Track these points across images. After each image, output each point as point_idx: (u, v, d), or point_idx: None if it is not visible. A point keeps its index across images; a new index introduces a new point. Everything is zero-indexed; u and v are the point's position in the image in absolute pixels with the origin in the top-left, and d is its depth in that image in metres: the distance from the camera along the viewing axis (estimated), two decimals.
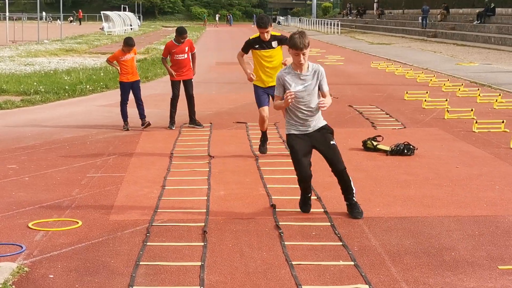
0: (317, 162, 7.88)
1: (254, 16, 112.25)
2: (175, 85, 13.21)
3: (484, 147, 11.30)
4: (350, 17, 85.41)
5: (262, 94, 10.34)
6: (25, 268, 5.85)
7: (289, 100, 6.97)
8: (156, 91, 19.17)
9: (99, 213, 7.55)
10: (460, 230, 6.98)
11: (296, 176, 7.40)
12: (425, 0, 61.65)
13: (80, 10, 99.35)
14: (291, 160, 7.41)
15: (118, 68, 13.05)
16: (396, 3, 72.00)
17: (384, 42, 46.19)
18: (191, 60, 13.20)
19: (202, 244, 6.49)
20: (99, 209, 7.69)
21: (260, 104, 10.36)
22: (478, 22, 47.43)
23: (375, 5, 74.52)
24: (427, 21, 55.24)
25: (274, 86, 7.86)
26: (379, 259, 6.16)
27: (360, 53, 36.68)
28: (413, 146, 10.70)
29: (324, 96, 7.20)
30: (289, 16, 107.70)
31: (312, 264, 6.01)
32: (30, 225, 7.07)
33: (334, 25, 65.18)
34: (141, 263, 5.99)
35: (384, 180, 9.10)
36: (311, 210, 7.52)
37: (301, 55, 6.98)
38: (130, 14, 75.32)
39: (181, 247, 6.40)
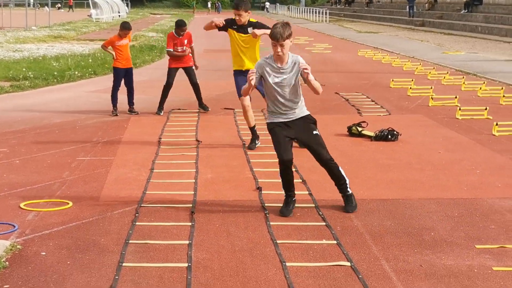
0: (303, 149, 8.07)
1: None
2: (171, 73, 13.36)
3: (467, 133, 11.53)
4: (339, 6, 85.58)
5: (242, 82, 9.88)
6: (18, 246, 6.03)
7: (250, 79, 6.86)
8: (144, 77, 19.28)
9: (89, 194, 7.74)
10: (440, 212, 7.21)
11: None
12: None
13: None
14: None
15: (113, 53, 13.15)
16: None
17: (372, 31, 46.40)
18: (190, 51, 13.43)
19: (190, 224, 6.69)
20: (89, 191, 7.87)
21: (239, 93, 10.08)
22: (466, 11, 47.75)
23: None
24: (414, 10, 55.61)
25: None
26: (360, 238, 6.38)
27: (347, 42, 36.87)
28: (396, 132, 10.92)
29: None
30: (278, 4, 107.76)
31: (296, 242, 6.22)
32: (22, 205, 7.24)
33: (322, 14, 65.31)
34: (130, 241, 6.19)
35: (367, 164, 9.32)
36: (296, 192, 7.69)
37: (279, 46, 6.81)
38: (118, 1, 75.05)
39: (169, 227, 6.60)
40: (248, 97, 9.87)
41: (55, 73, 18.74)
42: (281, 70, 6.96)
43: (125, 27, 13.13)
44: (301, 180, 8.32)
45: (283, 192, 7.38)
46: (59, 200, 7.48)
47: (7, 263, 5.65)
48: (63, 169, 8.87)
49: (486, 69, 21.52)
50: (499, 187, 8.23)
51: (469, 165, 9.32)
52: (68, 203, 7.33)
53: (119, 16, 68.47)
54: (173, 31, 13.49)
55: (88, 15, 66.05)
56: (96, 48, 28.00)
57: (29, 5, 75.39)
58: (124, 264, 5.65)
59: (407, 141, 10.82)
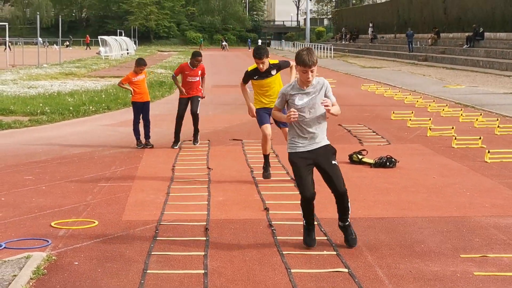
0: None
1: (249, 40, 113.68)
2: (182, 103, 14.01)
3: (461, 160, 12.30)
4: (344, 42, 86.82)
5: (263, 113, 10.51)
6: (53, 257, 6.81)
7: (291, 118, 6.87)
8: (156, 112, 20.10)
9: (112, 214, 8.52)
10: (430, 228, 7.97)
11: (299, 199, 7.37)
12: (417, 25, 63.16)
13: (87, 36, 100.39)
14: (284, 173, 8.33)
15: (131, 89, 13.81)
16: (389, 27, 73.39)
17: (376, 66, 47.37)
18: (200, 81, 14.09)
19: (205, 238, 7.46)
20: (112, 212, 8.66)
21: (261, 122, 10.49)
22: (468, 46, 48.70)
23: (369, 29, 75.89)
24: (413, 45, 57.00)
25: None
26: (358, 250, 7.14)
27: (351, 76, 37.79)
28: (394, 159, 11.69)
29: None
30: (283, 40, 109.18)
31: (300, 253, 6.98)
32: (52, 224, 8.03)
33: (327, 49, 66.43)
34: (152, 253, 6.96)
35: (366, 188, 10.09)
36: (300, 212, 8.43)
37: (309, 72, 6.88)
38: (126, 39, 76.50)
39: (186, 241, 7.37)
40: (269, 126, 10.46)
41: (71, 108, 19.61)
42: (306, 92, 7.00)
43: (140, 63, 13.89)
44: None
45: (289, 211, 8.10)
46: (86, 219, 8.26)
47: (45, 271, 6.42)
48: (86, 194, 9.66)
49: (484, 102, 22.32)
50: (486, 207, 8.99)
51: (460, 188, 10.08)
52: (94, 222, 8.11)
53: (128, 53, 69.75)
54: (188, 62, 14.07)
55: (97, 53, 67.31)
56: (108, 84, 29.00)
57: (37, 43, 77.09)
58: (148, 271, 6.42)
59: (404, 168, 11.59)
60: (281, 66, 10.60)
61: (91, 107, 20.12)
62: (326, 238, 7.54)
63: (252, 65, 10.67)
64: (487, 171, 11.29)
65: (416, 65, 47.53)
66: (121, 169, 11.50)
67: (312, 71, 6.89)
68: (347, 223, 7.30)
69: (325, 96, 7.04)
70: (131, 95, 14.03)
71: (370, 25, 76.14)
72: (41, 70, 39.58)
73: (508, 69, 37.73)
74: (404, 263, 6.73)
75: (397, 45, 63.91)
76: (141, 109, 13.90)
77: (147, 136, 13.92)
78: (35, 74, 35.56)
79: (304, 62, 6.86)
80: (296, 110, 6.90)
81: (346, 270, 6.50)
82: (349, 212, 7.32)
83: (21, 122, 17.20)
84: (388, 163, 11.59)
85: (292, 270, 6.46)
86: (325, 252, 7.04)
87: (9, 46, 49.70)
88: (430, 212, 8.72)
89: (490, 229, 7.93)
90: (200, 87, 14.10)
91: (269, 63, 10.45)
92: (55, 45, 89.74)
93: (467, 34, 50.00)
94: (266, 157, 10.65)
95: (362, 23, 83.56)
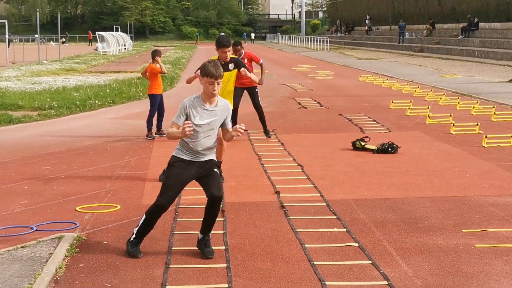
0: (307, 153, 9.34)
1: (244, 34, 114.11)
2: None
3: (460, 146, 12.81)
4: (339, 34, 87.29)
5: None
6: (83, 237, 7.31)
7: (187, 132, 6.42)
8: None
9: (133, 199, 9.02)
10: (433, 207, 8.49)
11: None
12: (412, 16, 63.71)
13: (90, 32, 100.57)
14: (291, 159, 8.77)
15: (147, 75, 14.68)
16: (384, 19, 73.90)
17: (372, 57, 47.87)
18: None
19: (222, 219, 7.97)
20: (132, 197, 9.16)
21: None
22: (463, 36, 49.26)
23: (367, 21, 76.38)
24: (404, 36, 58.10)
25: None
26: (366, 227, 7.65)
27: (349, 68, 38.28)
28: (396, 145, 12.20)
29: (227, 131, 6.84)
30: (279, 34, 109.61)
31: (313, 231, 7.49)
32: (77, 208, 8.53)
33: (323, 42, 66.92)
34: (175, 232, 7.47)
35: (370, 172, 10.60)
36: (309, 194, 8.96)
37: (216, 84, 6.56)
38: (123, 34, 76.90)
39: None
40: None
41: (77, 102, 20.07)
42: (209, 111, 6.68)
43: (157, 54, 14.64)
44: (313, 185, 9.59)
45: (298, 194, 8.60)
46: (108, 204, 8.77)
47: (77, 249, 6.92)
48: (105, 182, 10.15)
49: (481, 90, 22.85)
50: (485, 187, 9.51)
51: (460, 171, 10.60)
52: (116, 206, 8.62)
53: (125, 49, 70.13)
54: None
55: (94, 49, 67.69)
56: (110, 79, 29.46)
57: (33, 40, 77.24)
58: (173, 248, 6.93)
59: (406, 153, 12.10)
60: (238, 61, 10.39)
61: (96, 101, 20.58)
62: (335, 217, 8.05)
63: (213, 56, 10.40)
64: (485, 155, 11.81)
65: (412, 56, 48.04)
66: (135, 159, 11.98)
67: (218, 84, 6.60)
68: (208, 236, 6.85)
69: (224, 123, 6.79)
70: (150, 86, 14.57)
71: (367, 17, 76.63)
72: (42, 66, 39.99)
73: (503, 59, 38.26)
74: (410, 237, 7.25)
75: (392, 37, 64.40)
76: (159, 101, 14.48)
77: (160, 125, 14.50)
78: (36, 71, 35.98)
79: (211, 73, 6.54)
80: (191, 123, 6.48)
81: (356, 244, 7.01)
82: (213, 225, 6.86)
83: (31, 116, 17.66)
84: (390, 149, 12.09)
85: (306, 245, 6.97)
86: (335, 229, 7.55)
87: (10, 42, 50.07)
88: (432, 192, 9.24)
89: (489, 207, 8.45)
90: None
91: (230, 57, 10.28)
92: (51, 41, 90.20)
93: (462, 24, 50.58)
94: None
95: (357, 15, 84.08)
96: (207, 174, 6.76)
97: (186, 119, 6.62)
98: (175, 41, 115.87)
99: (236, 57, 10.48)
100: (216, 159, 6.95)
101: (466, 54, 43.82)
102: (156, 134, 14.40)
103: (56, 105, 19.45)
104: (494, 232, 7.41)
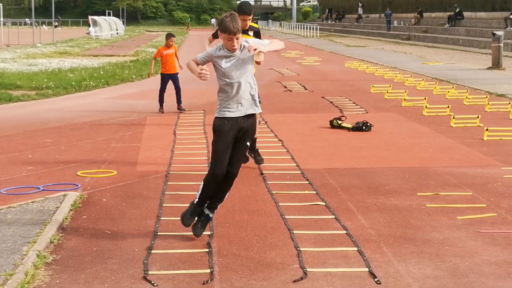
0: (288, 130, 10.37)
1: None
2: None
3: (429, 125, 13.87)
4: (330, 22, 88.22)
5: None
6: (85, 196, 8.35)
7: (201, 76, 6.56)
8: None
9: (128, 167, 10.06)
10: (395, 175, 9.55)
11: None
12: (401, 5, 64.76)
13: (89, 16, 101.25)
14: (273, 135, 9.81)
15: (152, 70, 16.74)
16: (374, 7, 74.86)
17: (360, 45, 48.87)
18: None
19: None
20: (127, 165, 10.19)
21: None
22: (449, 25, 50.34)
23: (359, 9, 77.32)
24: (391, 24, 59.48)
25: None
26: (334, 190, 8.71)
27: (336, 55, 39.28)
28: (370, 124, 13.25)
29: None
30: (270, 20, 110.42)
31: (286, 193, 8.55)
32: (78, 173, 9.56)
33: (313, 29, 67.87)
34: (166, 192, 8.51)
35: (344, 147, 11.65)
36: (286, 164, 10.01)
37: (235, 39, 6.46)
38: (116, 19, 77.70)
39: (192, 185, 8.89)
40: None
41: (73, 83, 21.07)
42: (232, 55, 6.61)
43: (170, 36, 16.29)
44: (290, 157, 10.64)
45: (277, 164, 9.64)
46: (106, 170, 9.80)
47: (80, 205, 7.96)
48: (102, 152, 11.17)
49: (459, 77, 23.91)
50: (445, 160, 10.58)
51: (425, 146, 11.66)
52: (113, 172, 9.65)
53: (117, 33, 70.92)
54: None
55: (86, 33, 68.45)
56: (103, 62, 30.41)
57: (25, 24, 77.95)
58: (164, 205, 7.97)
59: (379, 131, 13.15)
60: (258, 32, 10.05)
61: (91, 82, 21.57)
62: (308, 182, 9.10)
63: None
64: (451, 134, 12.87)
65: (399, 44, 49.08)
66: (129, 133, 12.99)
67: (237, 38, 6.46)
68: (211, 215, 6.98)
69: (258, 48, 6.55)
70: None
71: (360, 5, 77.52)
72: (37, 49, 40.88)
73: (487, 47, 39.22)
74: (370, 199, 8.31)
75: (381, 25, 65.36)
76: (167, 80, 15.85)
77: (178, 101, 15.94)
78: (31, 53, 36.90)
79: (228, 29, 6.41)
80: (207, 69, 6.59)
81: (323, 203, 8.07)
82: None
83: (29, 95, 18.64)
84: (364, 127, 13.14)
85: (280, 204, 8.03)
86: (306, 192, 8.61)
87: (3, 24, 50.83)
88: (396, 164, 10.30)
89: (445, 175, 9.52)
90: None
91: (250, 25, 9.89)
92: (44, 25, 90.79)
93: (448, 13, 51.61)
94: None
95: (348, 3, 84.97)
96: (239, 142, 6.74)
97: (212, 64, 6.64)
98: (166, 26, 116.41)
99: (257, 26, 10.12)
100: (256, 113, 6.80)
101: (451, 42, 44.89)
102: (177, 109, 15.84)
103: (53, 85, 20.44)
104: (445, 195, 8.47)
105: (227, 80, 6.62)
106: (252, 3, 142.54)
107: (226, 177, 6.76)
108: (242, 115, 6.67)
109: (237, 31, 6.40)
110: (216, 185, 6.79)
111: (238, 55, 6.58)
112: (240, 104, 6.66)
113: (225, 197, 6.99)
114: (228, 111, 6.66)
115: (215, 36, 10.33)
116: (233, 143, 6.72)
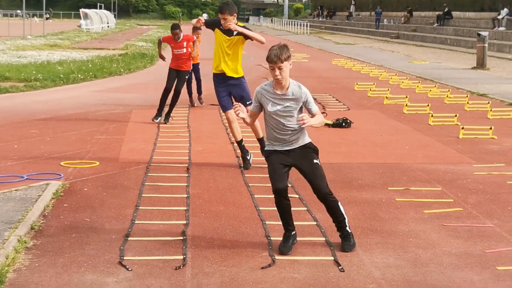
0: None
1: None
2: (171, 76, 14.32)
3: (408, 123, 14.19)
4: (321, 19, 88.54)
5: (224, 95, 9.99)
6: (67, 185, 8.63)
7: (237, 113, 6.48)
8: (140, 80, 21.90)
9: (110, 158, 10.34)
10: (369, 170, 9.87)
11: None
12: (391, 4, 65.16)
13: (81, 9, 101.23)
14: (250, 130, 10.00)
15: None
16: (364, 5, 75.24)
17: (349, 42, 49.21)
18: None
19: (187, 175, 9.30)
20: (110, 156, 10.48)
21: (224, 108, 10.09)
22: (438, 24, 50.77)
23: (352, 6, 77.69)
24: (380, 23, 59.96)
25: (232, 77, 9.76)
26: (308, 184, 8.98)
27: (324, 52, 39.61)
28: (350, 120, 13.56)
29: (312, 116, 6.58)
30: (261, 16, 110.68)
31: (262, 185, 8.84)
32: (62, 163, 9.83)
33: (304, 26, 68.16)
34: (146, 183, 8.80)
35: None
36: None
37: (277, 69, 6.35)
38: (107, 12, 77.80)
39: (172, 176, 9.21)
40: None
41: (61, 75, 21.30)
42: (280, 97, 6.48)
43: (175, 27, 14.72)
44: None
45: (256, 158, 9.94)
46: (89, 161, 10.07)
47: (62, 194, 8.25)
48: (86, 143, 11.44)
49: (443, 76, 24.27)
50: (419, 157, 10.90)
51: (402, 143, 11.99)
52: (95, 163, 9.93)
53: (108, 27, 71.03)
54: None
55: (77, 26, 68.52)
56: (92, 55, 30.64)
57: (16, 15, 78.17)
58: (143, 195, 8.26)
59: (358, 128, 13.46)
60: (243, 31, 9.79)
61: (79, 75, 21.80)
62: None
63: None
64: (428, 131, 13.20)
65: (387, 42, 49.44)
66: (113, 126, 13.26)
67: (280, 68, 6.35)
68: (346, 232, 6.75)
69: (306, 107, 6.61)
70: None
71: (353, 2, 77.84)
72: (27, 41, 41.03)
73: (474, 47, 39.40)
74: (343, 192, 8.62)
75: (371, 23, 65.76)
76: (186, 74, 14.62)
77: (198, 91, 16.52)
78: (21, 45, 37.06)
79: (270, 58, 6.39)
80: (241, 105, 6.57)
81: (296, 196, 8.38)
82: (345, 219, 6.79)
83: (17, 87, 18.87)
84: (344, 124, 13.45)
85: (256, 196, 8.33)
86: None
87: None
88: (372, 159, 10.62)
89: (417, 171, 9.84)
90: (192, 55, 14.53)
91: (236, 24, 9.78)
92: (35, 17, 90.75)
93: (437, 13, 52.03)
94: (239, 144, 10.14)
95: (340, 0, 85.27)
96: (306, 165, 6.76)
97: (260, 106, 6.60)
98: (158, 20, 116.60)
99: (243, 25, 9.94)
100: (308, 142, 6.86)
101: (439, 41, 45.29)
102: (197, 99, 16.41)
103: (41, 78, 20.66)
104: (415, 190, 8.79)
105: None
106: None
107: (322, 197, 6.81)
108: None
109: (278, 60, 6.37)
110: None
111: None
112: None
113: (339, 210, 6.80)
114: None
115: (209, 23, 10.19)
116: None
